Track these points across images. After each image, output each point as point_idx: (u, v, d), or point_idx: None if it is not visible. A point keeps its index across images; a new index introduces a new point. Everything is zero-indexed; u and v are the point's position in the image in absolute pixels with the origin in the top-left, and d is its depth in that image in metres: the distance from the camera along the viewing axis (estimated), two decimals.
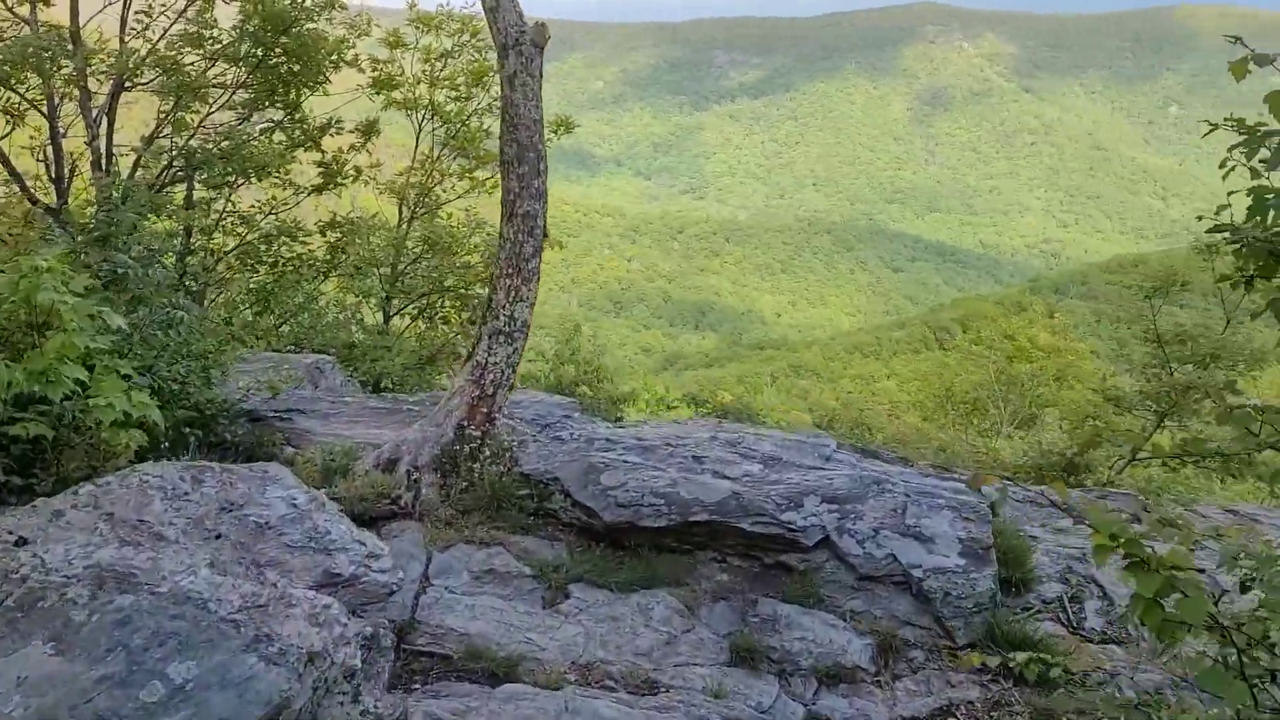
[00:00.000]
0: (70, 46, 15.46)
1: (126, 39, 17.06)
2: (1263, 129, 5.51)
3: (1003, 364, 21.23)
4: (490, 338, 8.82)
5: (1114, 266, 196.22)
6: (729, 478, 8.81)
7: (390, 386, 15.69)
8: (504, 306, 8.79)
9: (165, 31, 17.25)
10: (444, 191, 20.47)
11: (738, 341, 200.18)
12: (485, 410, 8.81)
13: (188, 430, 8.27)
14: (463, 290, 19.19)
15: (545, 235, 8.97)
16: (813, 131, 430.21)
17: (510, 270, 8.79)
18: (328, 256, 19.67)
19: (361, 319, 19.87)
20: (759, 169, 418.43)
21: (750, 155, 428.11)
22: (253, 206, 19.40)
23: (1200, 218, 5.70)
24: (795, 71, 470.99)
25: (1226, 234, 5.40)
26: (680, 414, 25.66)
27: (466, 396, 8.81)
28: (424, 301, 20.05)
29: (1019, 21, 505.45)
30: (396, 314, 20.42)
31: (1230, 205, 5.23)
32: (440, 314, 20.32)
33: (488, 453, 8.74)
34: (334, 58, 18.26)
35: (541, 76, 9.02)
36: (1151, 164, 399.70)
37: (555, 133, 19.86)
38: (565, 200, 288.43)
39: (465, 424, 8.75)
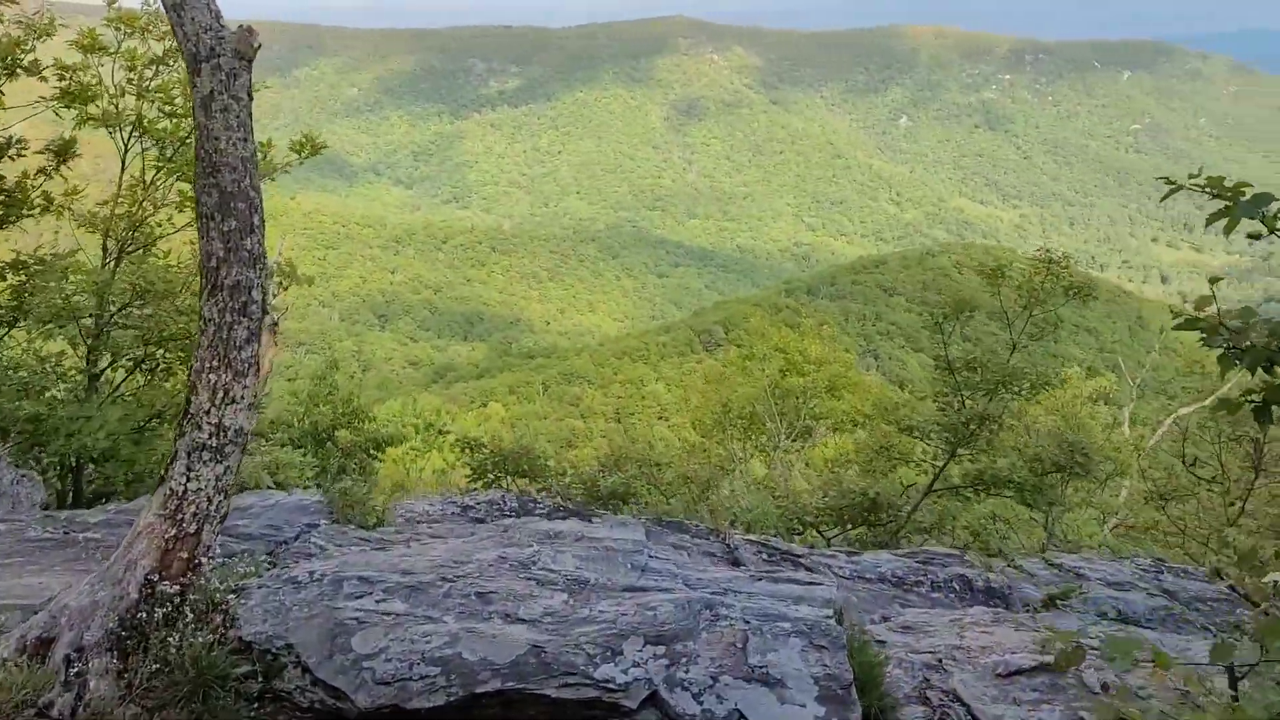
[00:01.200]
0: None
1: None
2: (1245, 191, 4.42)
3: (775, 377, 20.49)
4: (190, 455, 6.39)
5: (859, 267, 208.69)
6: (525, 620, 6.83)
7: (90, 483, 12.70)
8: (208, 412, 6.40)
9: None
10: (160, 225, 17.21)
11: (508, 351, 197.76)
12: (185, 555, 6.39)
13: None
14: (188, 339, 16.10)
15: (265, 312, 6.63)
16: (574, 140, 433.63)
17: (215, 363, 6.41)
18: (13, 302, 16.08)
19: (61, 377, 16.34)
20: (522, 177, 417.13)
21: (513, 164, 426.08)
22: None
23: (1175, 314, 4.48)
24: (554, 80, 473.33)
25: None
26: (449, 455, 23.52)
27: (157, 538, 6.35)
28: (141, 352, 16.74)
29: (763, 36, 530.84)
30: (107, 368, 16.98)
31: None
32: (161, 366, 17.10)
33: (190, 615, 6.31)
34: (5, 61, 14.84)
35: (251, 98, 6.70)
36: (887, 171, 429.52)
37: (299, 153, 17.07)
38: (323, 211, 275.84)
39: (156, 577, 6.29)
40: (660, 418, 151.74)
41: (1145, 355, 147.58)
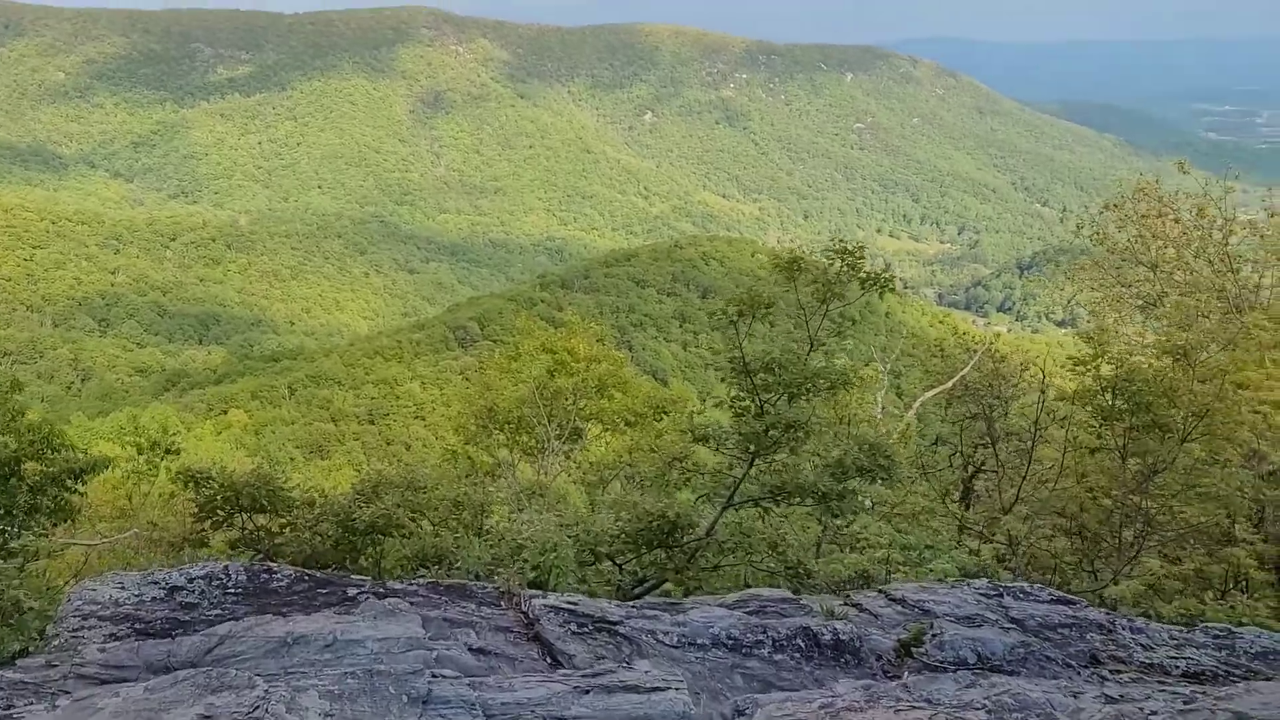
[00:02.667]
0: None
1: None
2: None
3: (544, 378, 19.90)
4: None
5: (611, 260, 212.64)
6: None
7: None
8: None
9: None
10: None
11: (250, 354, 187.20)
12: None
13: None
14: None
15: None
16: (314, 132, 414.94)
17: None
18: None
19: None
20: (258, 171, 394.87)
21: (247, 156, 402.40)
22: None
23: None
24: (288, 68, 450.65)
25: None
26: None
27: None
28: None
29: (508, 29, 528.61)
30: None
31: None
32: None
33: None
34: None
35: None
36: (634, 165, 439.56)
37: None
38: (26, 206, 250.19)
39: None
40: (417, 417, 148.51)
41: (874, 338, 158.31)
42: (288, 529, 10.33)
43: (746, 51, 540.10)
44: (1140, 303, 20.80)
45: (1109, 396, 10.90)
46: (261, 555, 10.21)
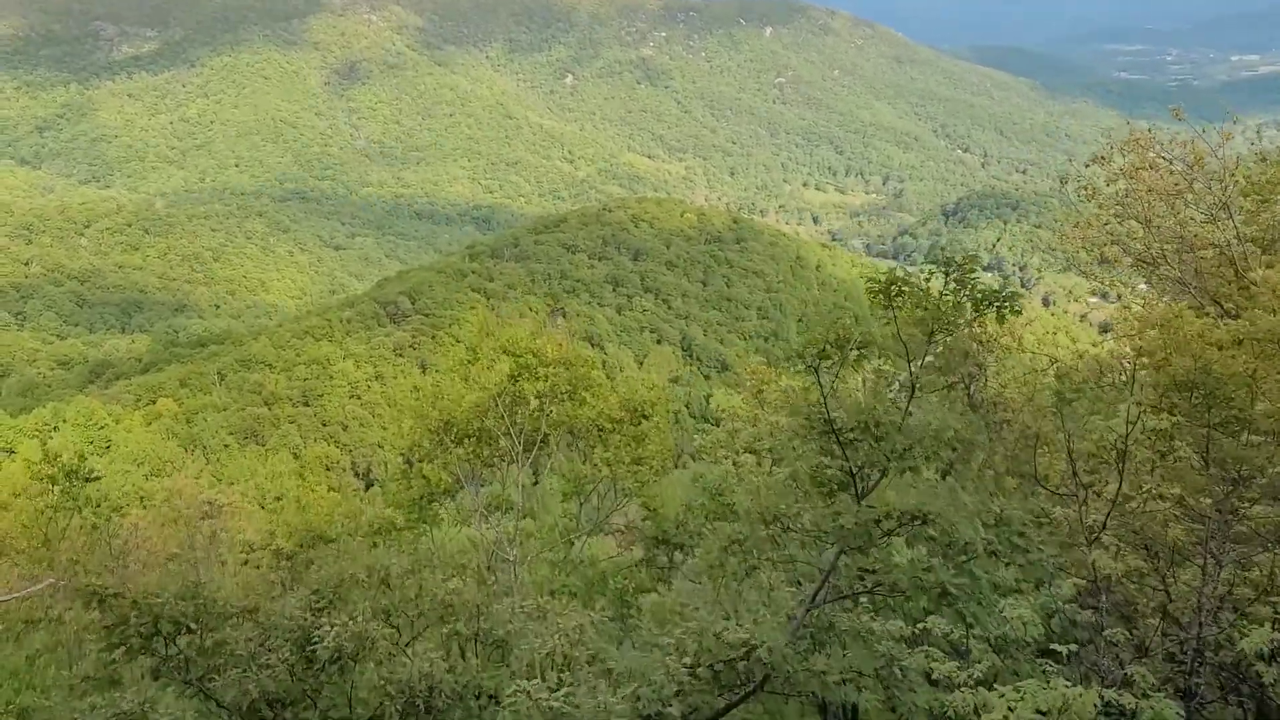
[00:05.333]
0: None
1: None
2: None
3: (505, 384, 17.98)
4: None
5: (540, 227, 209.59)
6: None
7: None
8: None
9: None
10: None
11: (175, 341, 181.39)
12: None
13: None
14: None
15: None
16: (227, 109, 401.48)
17: None
18: None
19: None
20: (172, 151, 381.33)
21: (159, 136, 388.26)
22: None
23: None
24: (196, 44, 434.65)
25: None
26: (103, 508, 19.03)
27: None
28: None
29: None
30: None
31: None
32: None
33: None
34: None
35: None
36: (557, 129, 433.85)
37: None
38: None
39: None
40: (353, 396, 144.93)
41: (806, 291, 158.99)
42: (224, 651, 8.13)
43: (664, 8, 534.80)
44: (1131, 260, 19.66)
45: (1185, 392, 9.48)
46: (192, 690, 8.06)
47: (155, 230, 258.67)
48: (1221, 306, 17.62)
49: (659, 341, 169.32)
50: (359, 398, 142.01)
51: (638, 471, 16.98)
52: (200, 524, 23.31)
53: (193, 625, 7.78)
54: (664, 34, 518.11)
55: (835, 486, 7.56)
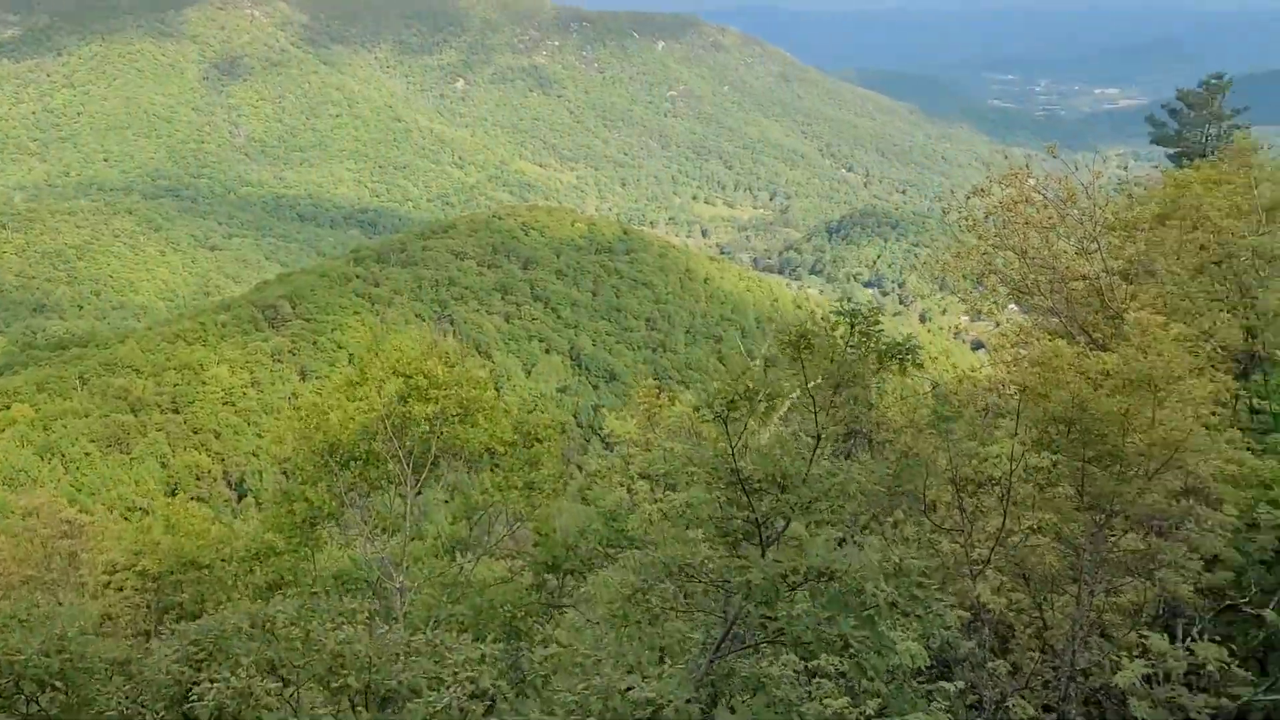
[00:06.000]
0: None
1: None
2: None
3: (394, 405, 17.53)
4: None
5: (428, 233, 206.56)
6: None
7: None
8: None
9: None
10: None
11: (33, 343, 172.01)
12: None
13: None
14: None
15: None
16: (95, 100, 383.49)
17: None
18: None
19: None
20: (34, 143, 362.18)
21: (19, 127, 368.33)
22: None
23: None
24: (62, 31, 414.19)
25: None
26: None
27: None
28: None
29: None
30: None
31: None
32: None
33: None
34: None
35: None
36: (448, 134, 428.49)
37: None
38: None
39: None
40: (227, 403, 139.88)
41: (694, 303, 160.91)
42: (92, 710, 7.48)
43: (557, 17, 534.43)
44: (1008, 290, 20.49)
45: (1062, 427, 9.92)
46: None
47: (13, 225, 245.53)
48: (1090, 336, 18.51)
49: (548, 351, 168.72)
50: (233, 405, 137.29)
51: (530, 496, 16.77)
52: (58, 544, 22.09)
53: (58, 684, 7.19)
54: (557, 43, 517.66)
55: (740, 536, 7.63)
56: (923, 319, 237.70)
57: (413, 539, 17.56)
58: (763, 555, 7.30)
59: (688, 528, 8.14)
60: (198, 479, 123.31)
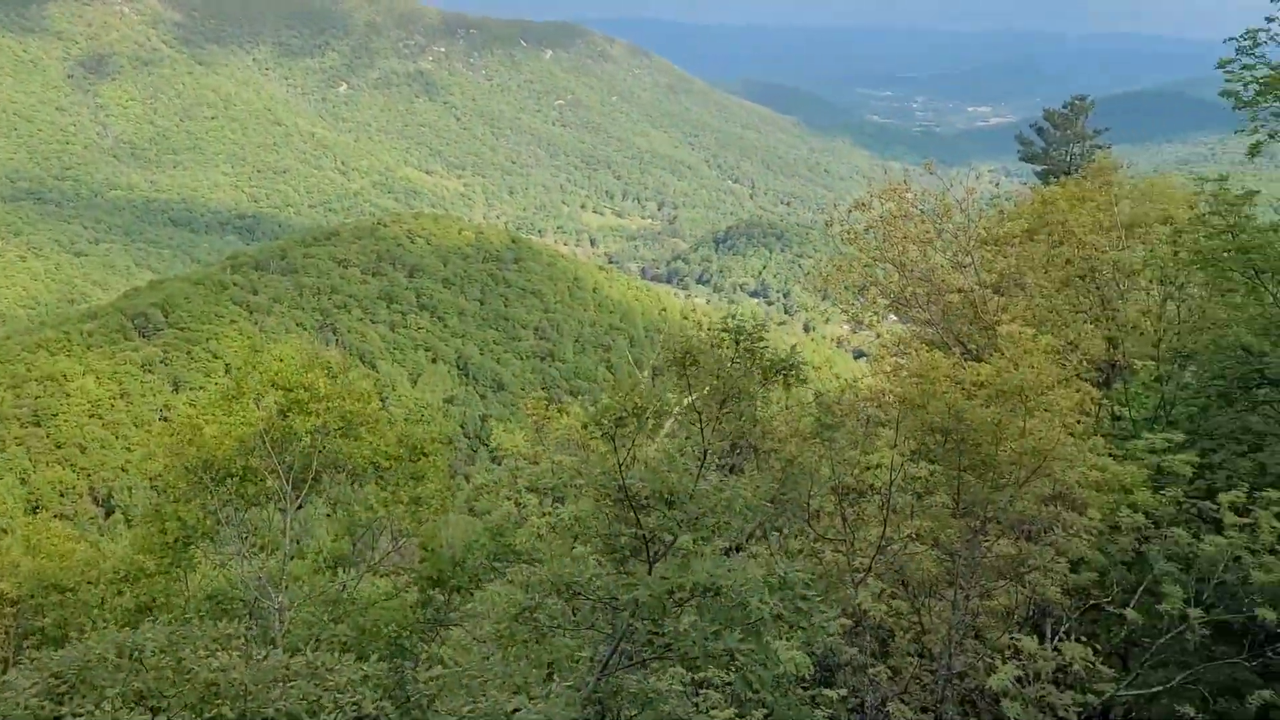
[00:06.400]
0: None
1: None
2: None
3: (275, 419, 16.96)
4: None
5: (310, 240, 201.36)
6: None
7: None
8: None
9: None
10: None
11: None
12: None
13: None
14: None
15: None
16: None
17: None
18: None
19: None
20: None
21: None
22: None
23: None
24: None
25: None
26: None
27: None
28: None
29: None
30: None
31: None
32: None
33: None
34: None
35: None
36: (330, 139, 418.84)
37: None
38: None
39: None
40: (93, 415, 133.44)
41: (583, 312, 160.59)
42: None
43: (443, 23, 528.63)
44: (888, 301, 21.10)
45: (939, 436, 10.27)
46: None
47: None
48: (965, 347, 19.19)
49: (434, 360, 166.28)
50: (100, 417, 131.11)
51: (415, 510, 16.41)
52: None
53: None
54: (443, 49, 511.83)
55: (627, 553, 7.63)
56: (807, 329, 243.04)
57: (293, 556, 17.01)
58: (650, 571, 7.35)
59: (576, 542, 8.12)
60: (61, 495, 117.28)
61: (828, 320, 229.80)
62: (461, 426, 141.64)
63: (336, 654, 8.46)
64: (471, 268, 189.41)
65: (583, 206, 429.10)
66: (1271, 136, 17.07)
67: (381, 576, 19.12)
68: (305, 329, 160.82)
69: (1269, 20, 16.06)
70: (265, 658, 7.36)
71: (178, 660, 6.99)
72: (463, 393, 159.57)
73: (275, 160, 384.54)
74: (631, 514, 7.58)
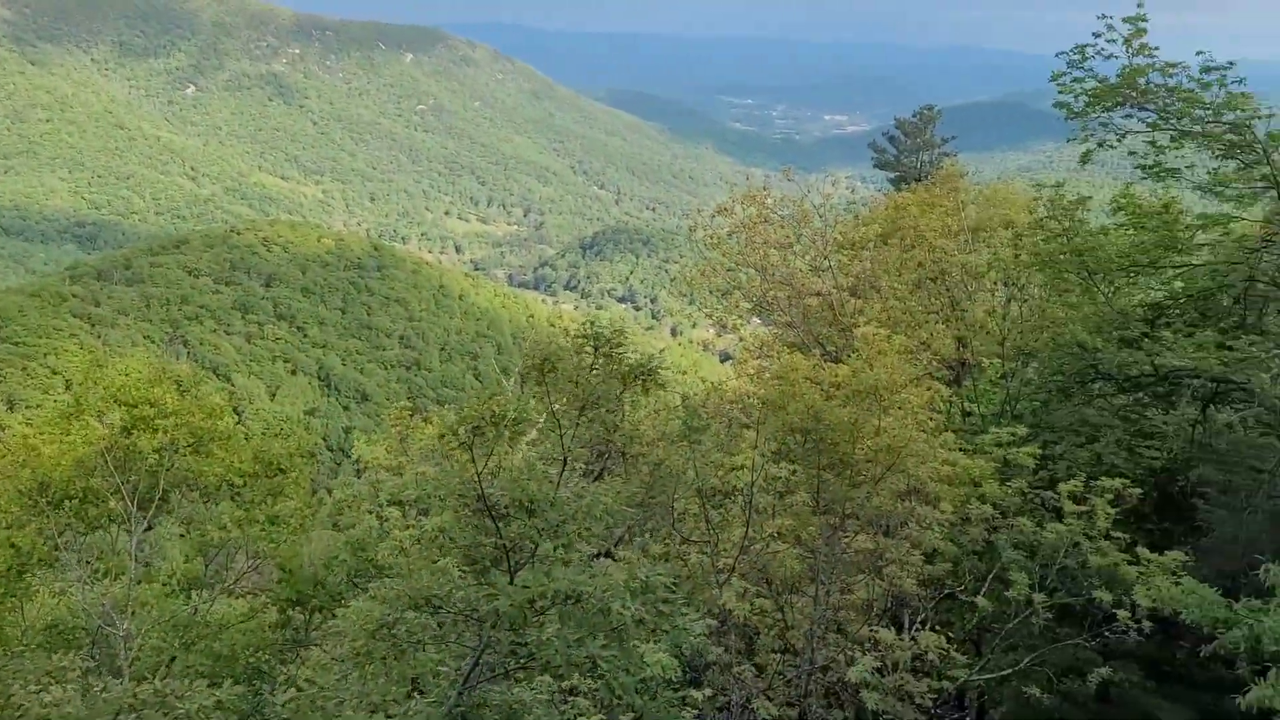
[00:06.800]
0: None
1: None
2: None
3: (118, 437, 16.06)
4: None
5: (157, 248, 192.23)
6: None
7: None
8: None
9: None
10: None
11: None
12: None
13: None
14: None
15: None
16: None
17: None
18: None
19: None
20: None
21: None
22: None
23: None
24: None
25: None
26: None
27: None
28: None
29: None
30: None
31: None
32: None
33: None
34: None
35: None
36: (178, 143, 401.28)
37: None
38: None
39: None
40: None
41: (449, 320, 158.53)
42: None
43: (297, 24, 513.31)
44: (751, 305, 21.52)
45: (799, 437, 10.53)
46: None
47: None
48: (824, 348, 19.76)
49: (294, 372, 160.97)
50: None
51: (272, 531, 15.75)
52: None
53: None
54: (297, 50, 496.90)
55: (489, 563, 7.52)
56: (674, 333, 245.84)
57: (140, 581, 16.11)
58: (511, 581, 7.26)
59: (441, 554, 7.97)
60: None
61: (695, 324, 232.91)
62: (324, 439, 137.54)
63: (189, 681, 8.07)
64: (332, 276, 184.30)
65: (447, 213, 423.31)
66: (1101, 145, 18.10)
67: (238, 598, 18.32)
68: (154, 342, 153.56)
69: (1095, 36, 17.03)
70: (104, 689, 6.94)
71: (7, 698, 6.51)
72: (325, 404, 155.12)
73: (118, 165, 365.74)
74: (492, 523, 7.49)
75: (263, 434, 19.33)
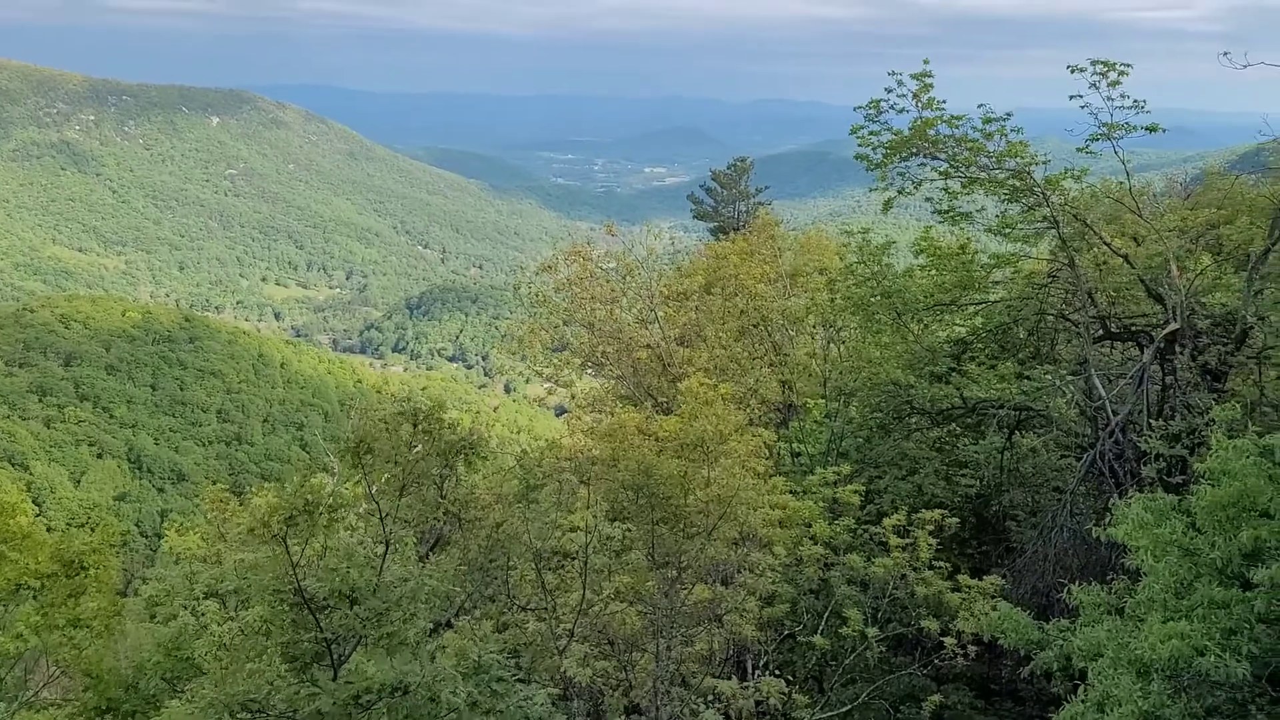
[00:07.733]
0: None
1: None
2: None
3: None
4: None
5: None
6: None
7: None
8: None
9: None
10: None
11: None
12: None
13: None
14: None
15: None
16: None
17: None
18: None
19: None
20: None
21: None
22: None
23: None
24: None
25: None
26: None
27: None
28: None
29: None
30: None
31: None
32: None
33: None
34: None
35: None
36: None
37: None
38: None
39: None
40: None
41: (270, 390, 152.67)
42: None
43: (90, 89, 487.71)
44: (580, 360, 21.55)
45: (632, 493, 10.51)
46: None
47: None
48: (656, 400, 19.98)
49: (100, 455, 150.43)
50: None
51: (74, 636, 14.43)
52: None
53: None
54: (92, 116, 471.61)
55: (309, 659, 7.05)
56: (508, 390, 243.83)
57: None
58: (334, 677, 6.86)
59: (260, 651, 7.43)
60: None
61: (528, 381, 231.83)
62: (137, 525, 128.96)
63: None
64: (139, 351, 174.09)
65: (264, 279, 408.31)
66: (901, 193, 19.15)
67: (39, 711, 16.69)
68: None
69: (888, 91, 18.10)
70: None
71: None
72: (136, 488, 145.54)
73: None
74: (311, 617, 7.06)
75: (66, 526, 17.87)
